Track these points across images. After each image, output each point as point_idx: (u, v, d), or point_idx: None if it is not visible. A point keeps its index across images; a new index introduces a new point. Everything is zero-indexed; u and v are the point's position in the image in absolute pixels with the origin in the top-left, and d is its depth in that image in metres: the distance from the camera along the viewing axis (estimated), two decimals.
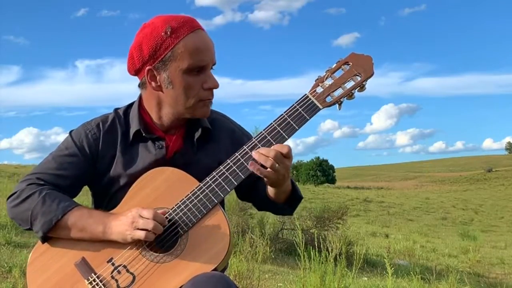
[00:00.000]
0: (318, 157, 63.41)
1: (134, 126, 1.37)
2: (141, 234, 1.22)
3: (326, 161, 62.64)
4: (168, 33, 1.26)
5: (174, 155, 1.37)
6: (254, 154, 1.25)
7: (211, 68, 1.33)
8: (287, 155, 1.25)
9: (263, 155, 1.24)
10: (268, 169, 1.24)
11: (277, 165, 1.23)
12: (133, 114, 1.40)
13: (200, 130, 1.39)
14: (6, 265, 3.81)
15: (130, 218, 1.23)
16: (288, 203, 1.42)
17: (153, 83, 1.32)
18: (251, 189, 1.47)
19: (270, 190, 1.38)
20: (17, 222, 1.33)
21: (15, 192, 1.32)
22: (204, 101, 1.33)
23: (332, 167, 64.30)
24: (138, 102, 1.42)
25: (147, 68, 1.30)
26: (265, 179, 1.28)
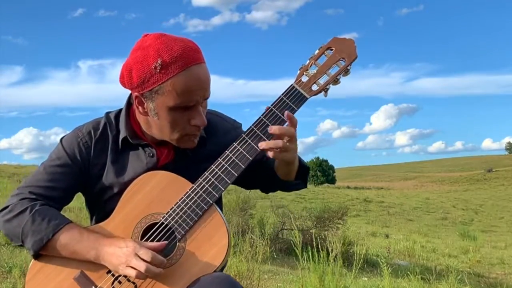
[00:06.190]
0: (318, 157, 63.47)
1: (122, 133, 1.36)
2: (131, 273, 1.19)
3: (326, 161, 62.65)
4: (158, 68, 1.20)
5: (166, 164, 1.35)
6: (261, 144, 1.25)
7: (202, 102, 1.28)
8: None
9: (271, 142, 1.24)
10: (280, 151, 1.24)
11: (288, 144, 1.24)
12: (122, 120, 1.38)
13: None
14: (6, 265, 3.81)
15: (124, 256, 1.20)
16: (299, 177, 1.42)
17: (140, 108, 1.30)
18: (255, 176, 1.45)
19: (281, 171, 1.37)
20: (8, 238, 1.32)
21: (7, 207, 1.31)
22: (189, 136, 1.31)
23: (332, 167, 64.30)
24: (126, 107, 1.39)
25: (135, 94, 1.28)
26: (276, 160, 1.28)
